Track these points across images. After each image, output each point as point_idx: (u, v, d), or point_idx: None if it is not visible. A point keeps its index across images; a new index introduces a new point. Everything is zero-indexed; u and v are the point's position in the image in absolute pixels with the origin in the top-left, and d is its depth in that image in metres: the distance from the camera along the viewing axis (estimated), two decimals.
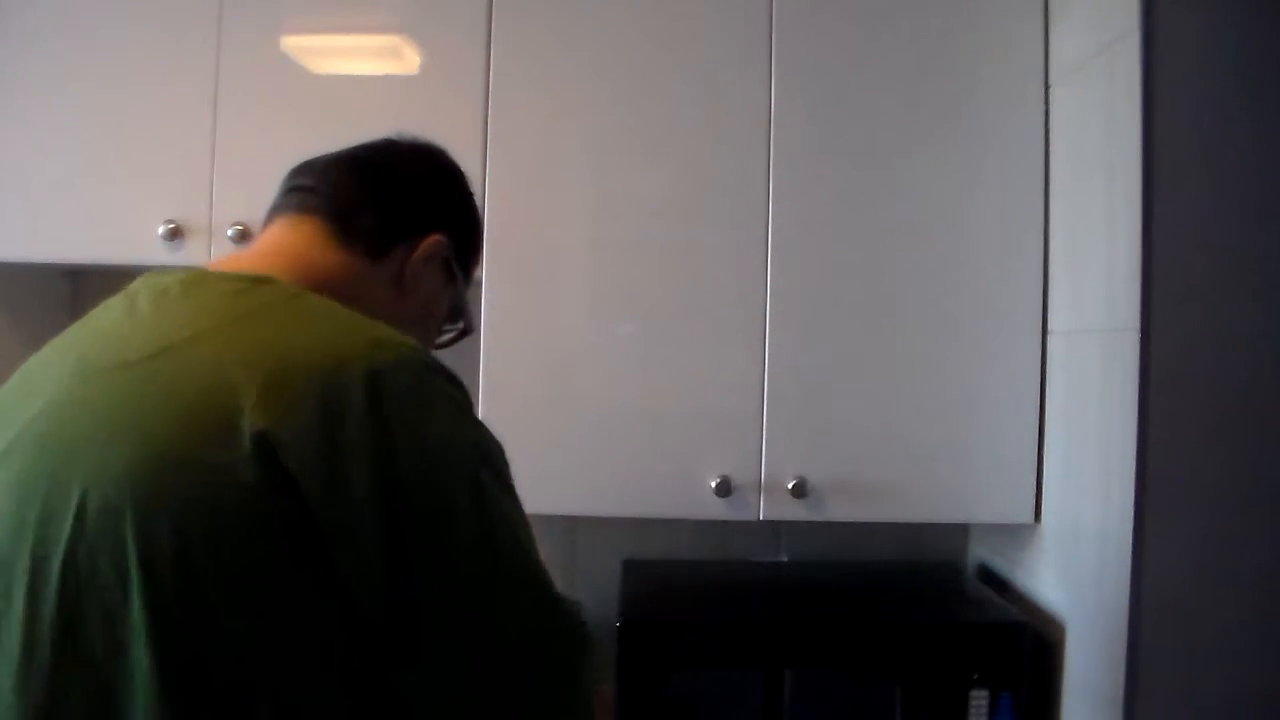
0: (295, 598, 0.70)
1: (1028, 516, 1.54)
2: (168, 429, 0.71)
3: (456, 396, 0.79)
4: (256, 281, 0.82)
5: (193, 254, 1.58)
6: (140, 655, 0.68)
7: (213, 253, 1.57)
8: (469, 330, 1.07)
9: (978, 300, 1.54)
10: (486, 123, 1.57)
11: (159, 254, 1.57)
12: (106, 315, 0.84)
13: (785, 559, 1.85)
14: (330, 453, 0.69)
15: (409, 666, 0.73)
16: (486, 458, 0.78)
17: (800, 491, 1.52)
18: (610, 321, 1.57)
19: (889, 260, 1.55)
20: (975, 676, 1.42)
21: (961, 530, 1.87)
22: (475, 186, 1.53)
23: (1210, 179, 1.23)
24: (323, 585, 0.70)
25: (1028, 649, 1.44)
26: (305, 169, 0.97)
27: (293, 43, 1.61)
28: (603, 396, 1.56)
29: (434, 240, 0.95)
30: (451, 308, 1.03)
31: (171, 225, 1.57)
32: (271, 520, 0.69)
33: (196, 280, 0.83)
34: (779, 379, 1.54)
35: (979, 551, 1.83)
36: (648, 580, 1.70)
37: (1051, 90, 1.54)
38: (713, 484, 1.52)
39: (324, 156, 0.98)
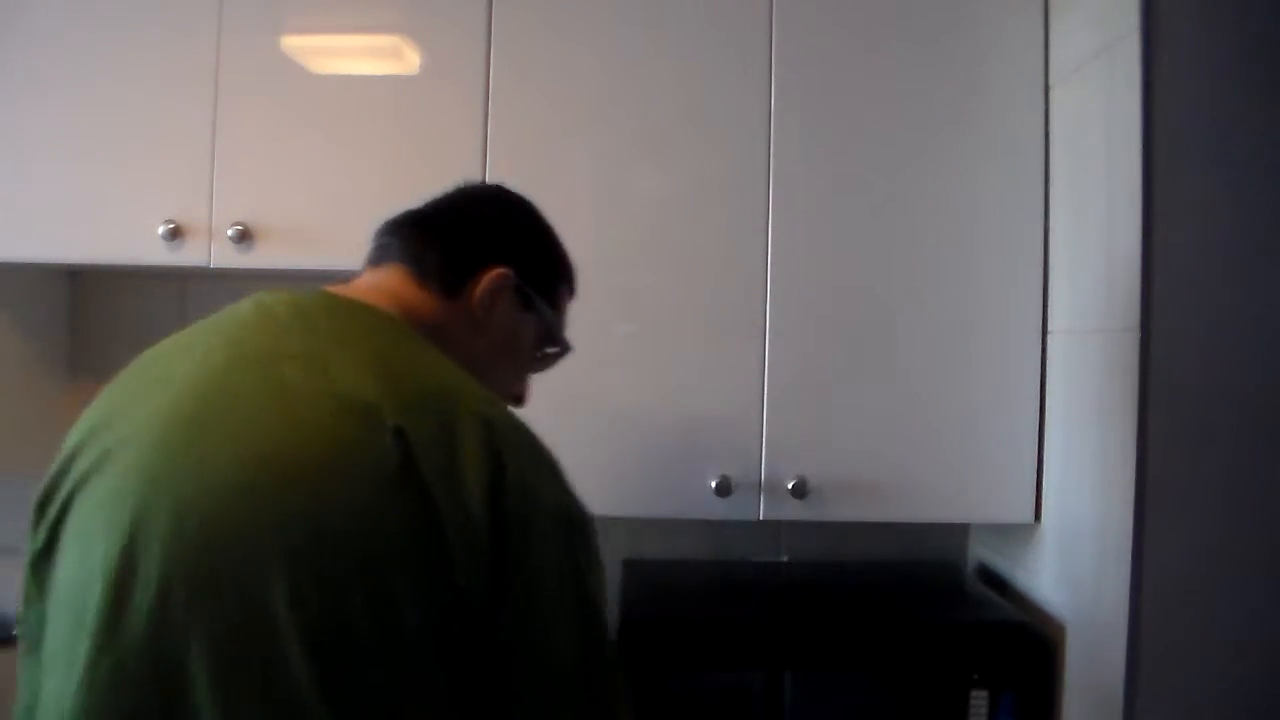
0: (416, 573, 0.75)
1: (1028, 516, 1.54)
2: (320, 415, 0.78)
3: (553, 460, 0.87)
4: (379, 314, 0.91)
5: (193, 254, 1.58)
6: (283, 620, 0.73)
7: (213, 253, 1.58)
8: (565, 352, 1.11)
9: (978, 300, 1.54)
10: (486, 123, 1.57)
11: (159, 254, 1.58)
12: (236, 317, 0.89)
13: (785, 559, 1.85)
14: (451, 457, 0.78)
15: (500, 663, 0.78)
16: (572, 519, 0.86)
17: (800, 491, 1.52)
18: (610, 321, 1.57)
19: (889, 260, 1.55)
20: (975, 676, 1.42)
21: (961, 530, 1.87)
22: None
23: (1210, 178, 1.23)
24: (438, 569, 0.75)
25: (1028, 649, 1.44)
26: (386, 226, 1.04)
27: (293, 42, 1.61)
28: (603, 396, 1.56)
29: (494, 274, 0.99)
30: (543, 333, 1.07)
31: (171, 225, 1.57)
32: (403, 502, 0.76)
33: (329, 302, 0.91)
34: (779, 379, 1.54)
35: (979, 551, 1.83)
36: (648, 580, 1.70)
37: (1051, 90, 1.54)
38: (713, 484, 1.52)
39: (401, 213, 1.04)
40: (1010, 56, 1.55)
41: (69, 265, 1.85)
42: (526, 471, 0.81)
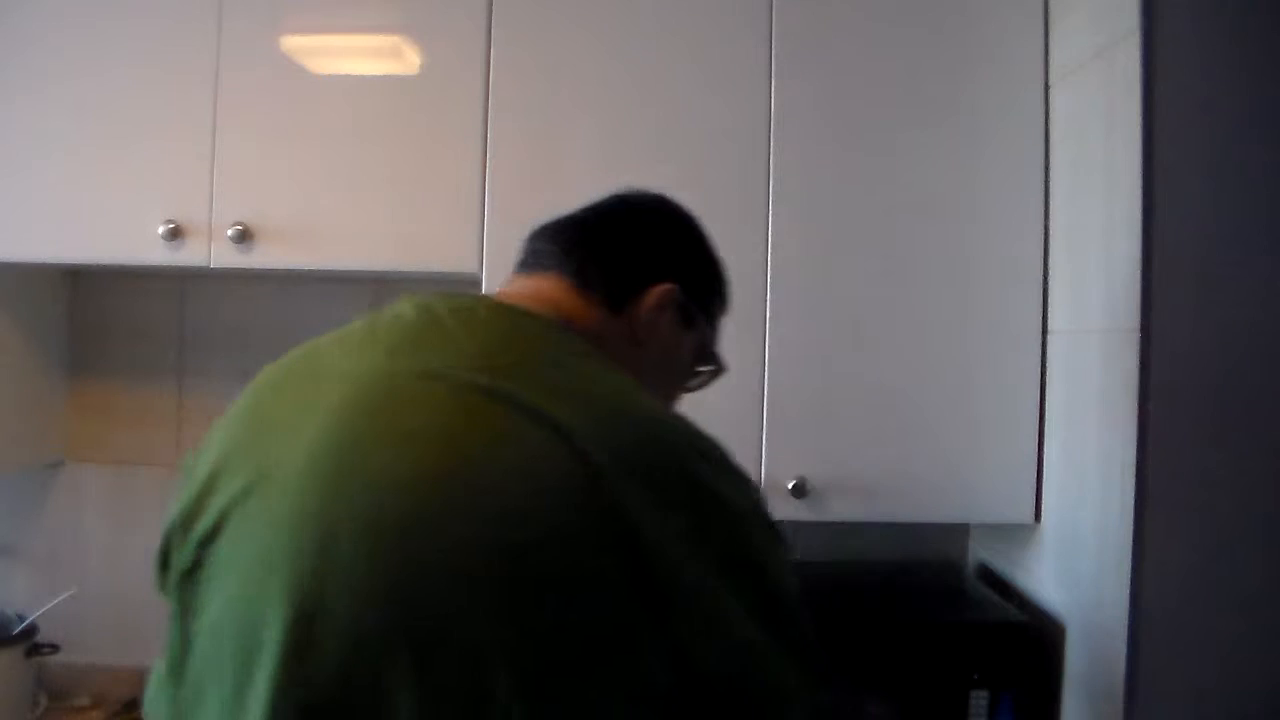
0: (614, 592, 0.72)
1: (1028, 516, 1.54)
2: (503, 429, 0.74)
3: (737, 465, 0.85)
4: (548, 322, 0.87)
5: (192, 254, 1.58)
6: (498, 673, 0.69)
7: (213, 253, 1.58)
8: (720, 371, 1.09)
9: (978, 300, 1.54)
10: (486, 123, 1.57)
11: (159, 254, 1.58)
12: (398, 322, 0.85)
13: None
14: (639, 469, 0.74)
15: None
16: (763, 522, 0.84)
17: (800, 491, 1.52)
18: None
19: (889, 260, 1.55)
20: (975, 676, 1.42)
21: (961, 530, 1.87)
22: (475, 187, 1.56)
23: (1210, 179, 1.23)
24: (636, 586, 0.72)
25: (1028, 649, 1.44)
26: (541, 232, 1.00)
27: (293, 42, 1.61)
28: None
29: (662, 290, 0.96)
30: (699, 350, 1.05)
31: (171, 225, 1.57)
32: (594, 519, 0.72)
33: (495, 309, 0.87)
34: (779, 379, 1.54)
35: (979, 551, 1.83)
36: None
37: (1051, 91, 1.54)
38: None
39: (558, 219, 1.00)
40: (1010, 56, 1.55)
41: (69, 265, 1.85)
42: (716, 478, 0.79)
